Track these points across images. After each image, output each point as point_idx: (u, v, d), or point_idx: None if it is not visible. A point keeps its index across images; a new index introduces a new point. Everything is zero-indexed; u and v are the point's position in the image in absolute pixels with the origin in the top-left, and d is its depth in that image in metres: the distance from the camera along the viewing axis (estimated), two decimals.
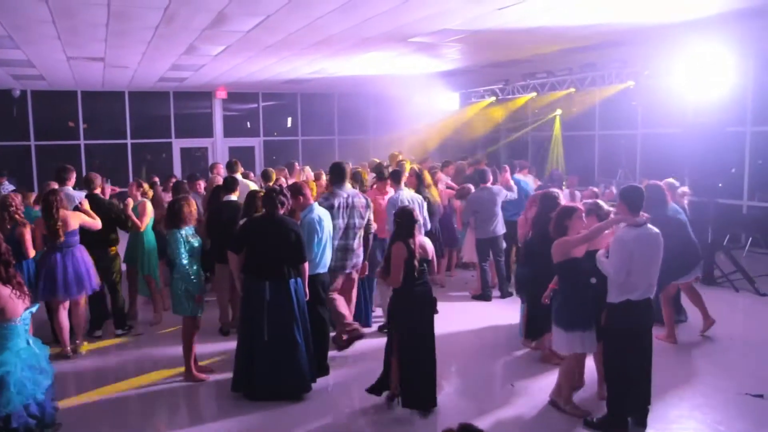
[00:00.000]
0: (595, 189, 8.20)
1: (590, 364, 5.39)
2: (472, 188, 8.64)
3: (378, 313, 7.56)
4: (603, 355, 4.93)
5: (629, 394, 4.65)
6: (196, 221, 5.91)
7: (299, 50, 10.00)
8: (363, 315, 7.16)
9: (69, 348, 6.39)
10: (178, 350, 5.93)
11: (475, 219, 8.37)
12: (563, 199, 6.24)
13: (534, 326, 6.16)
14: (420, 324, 5.07)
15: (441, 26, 8.24)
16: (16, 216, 6.18)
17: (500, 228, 8.36)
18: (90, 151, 15.99)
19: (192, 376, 5.78)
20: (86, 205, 6.62)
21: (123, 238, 7.51)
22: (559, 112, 13.62)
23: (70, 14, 7.24)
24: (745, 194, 11.46)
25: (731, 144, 11.15)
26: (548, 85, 12.85)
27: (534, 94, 13.42)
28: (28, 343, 4.13)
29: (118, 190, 8.05)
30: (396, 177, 7.56)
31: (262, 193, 6.07)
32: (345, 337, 6.34)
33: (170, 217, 5.68)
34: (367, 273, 6.82)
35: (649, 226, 4.64)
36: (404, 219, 5.06)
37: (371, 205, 6.65)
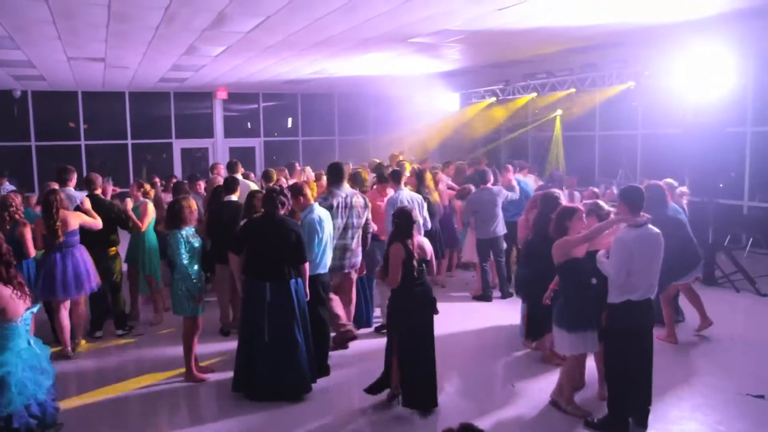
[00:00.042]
0: (596, 189, 8.20)
1: (591, 365, 5.40)
2: (473, 188, 8.65)
3: (378, 313, 7.56)
4: (603, 355, 4.93)
5: (630, 394, 4.65)
6: (196, 222, 5.92)
7: (299, 51, 10.00)
8: (364, 315, 7.17)
9: (70, 348, 6.39)
10: (178, 351, 5.93)
11: (476, 219, 8.37)
12: (563, 199, 6.24)
13: (534, 327, 6.16)
14: (419, 324, 5.08)
15: (441, 27, 8.25)
16: (16, 216, 6.18)
17: (501, 228, 8.36)
18: (90, 152, 16.00)
19: (192, 377, 5.78)
20: (87, 204, 6.62)
21: (124, 238, 7.52)
22: (559, 112, 13.62)
23: (71, 15, 7.24)
24: (745, 195, 11.46)
25: (732, 144, 11.15)
26: (548, 85, 12.85)
27: (534, 94, 13.42)
28: (29, 343, 4.14)
29: (118, 190, 8.06)
30: (396, 177, 7.57)
31: (260, 194, 6.08)
32: (333, 334, 6.35)
33: (171, 218, 5.68)
34: (365, 272, 6.82)
35: (650, 226, 4.64)
36: (402, 220, 5.07)
37: (369, 204, 6.68)
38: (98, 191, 7.12)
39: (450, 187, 9.61)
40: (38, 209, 7.04)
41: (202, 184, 9.35)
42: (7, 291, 3.93)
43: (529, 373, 5.91)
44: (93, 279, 6.46)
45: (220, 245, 6.74)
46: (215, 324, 7.14)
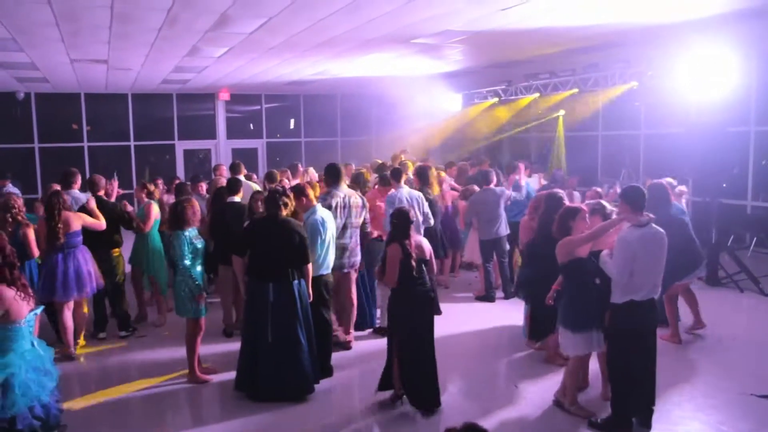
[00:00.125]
0: (599, 189, 8.19)
1: (594, 365, 5.39)
2: (477, 189, 8.64)
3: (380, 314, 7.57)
4: (607, 355, 4.92)
5: (633, 394, 4.64)
6: (199, 223, 5.92)
7: (302, 52, 10.01)
8: (367, 316, 7.17)
9: (73, 348, 6.40)
10: (181, 352, 5.94)
11: (479, 220, 8.37)
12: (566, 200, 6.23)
13: (537, 327, 6.15)
14: (419, 324, 5.08)
15: (444, 27, 8.24)
16: (19, 217, 6.20)
17: (503, 229, 8.35)
18: (93, 154, 16.03)
19: (195, 378, 5.79)
20: (93, 204, 6.64)
21: (129, 239, 7.53)
22: (562, 112, 13.60)
23: (74, 17, 7.25)
24: (749, 194, 11.43)
25: (735, 144, 11.12)
26: (551, 85, 12.83)
27: (537, 95, 13.40)
28: (32, 344, 4.14)
29: (121, 192, 8.06)
30: (396, 175, 7.58)
31: (259, 195, 6.09)
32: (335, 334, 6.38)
33: (174, 219, 5.69)
34: (364, 268, 6.86)
35: (653, 225, 4.63)
36: (400, 220, 5.09)
37: (367, 204, 6.73)
38: (101, 193, 7.14)
39: (453, 188, 9.60)
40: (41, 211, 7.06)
41: (204, 186, 9.37)
42: (11, 292, 3.94)
43: (532, 373, 5.91)
44: (95, 280, 6.48)
45: (223, 246, 6.75)
46: (218, 325, 7.15)
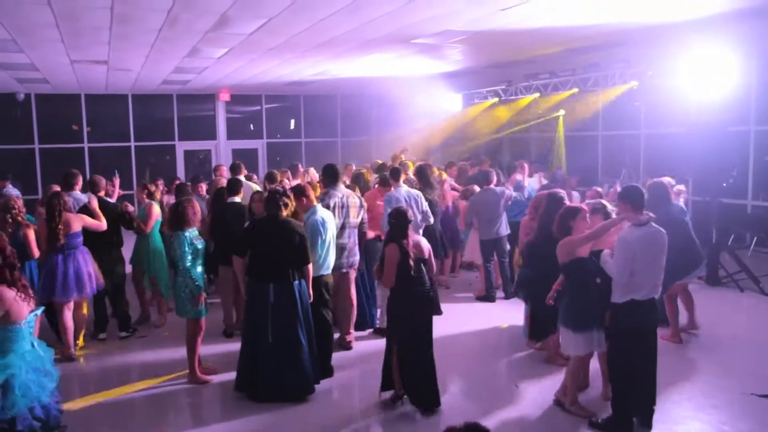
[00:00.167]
0: (599, 189, 8.19)
1: (594, 365, 5.39)
2: (477, 189, 8.64)
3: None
4: (607, 355, 4.92)
5: (634, 394, 4.64)
6: (199, 223, 5.92)
7: (302, 52, 10.01)
8: (367, 316, 7.17)
9: (73, 349, 6.41)
10: (182, 352, 5.94)
11: (479, 220, 8.37)
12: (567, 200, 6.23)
13: (538, 327, 6.15)
14: (419, 324, 5.08)
15: (444, 27, 8.24)
16: (19, 218, 6.21)
17: (504, 229, 8.35)
18: (94, 154, 16.03)
19: (196, 378, 5.79)
20: (95, 204, 6.64)
21: (130, 239, 7.53)
22: (562, 112, 13.60)
23: (74, 18, 7.25)
24: (749, 194, 11.42)
25: (735, 143, 11.12)
26: (551, 85, 12.83)
27: (537, 94, 13.40)
28: (32, 345, 4.14)
29: (121, 192, 8.07)
30: (395, 175, 7.58)
31: (257, 195, 6.09)
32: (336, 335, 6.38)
33: (174, 219, 5.69)
34: (361, 267, 6.88)
35: (653, 224, 4.63)
36: (398, 220, 5.09)
37: (365, 204, 6.76)
38: (102, 193, 7.14)
39: (453, 188, 9.60)
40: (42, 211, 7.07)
41: (204, 186, 9.37)
42: (11, 293, 3.93)
43: (532, 373, 5.91)
44: (95, 281, 6.48)
45: (224, 247, 6.75)
46: (218, 326, 7.14)
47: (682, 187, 8.15)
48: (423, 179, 8.33)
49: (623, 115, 13.42)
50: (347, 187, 7.13)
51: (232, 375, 5.60)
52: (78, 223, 6.38)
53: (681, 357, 6.24)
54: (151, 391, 5.72)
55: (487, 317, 7.69)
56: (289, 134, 18.24)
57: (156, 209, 7.52)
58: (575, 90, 12.40)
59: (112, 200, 7.31)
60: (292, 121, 18.18)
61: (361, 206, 6.64)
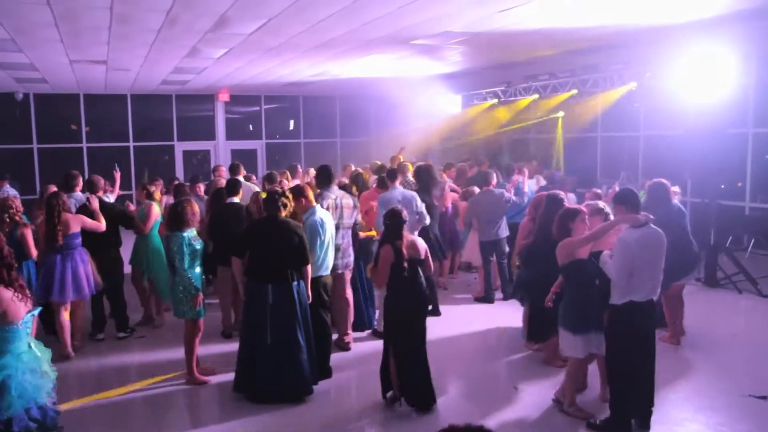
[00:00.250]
0: (598, 190, 8.18)
1: (593, 366, 5.38)
2: (477, 190, 8.63)
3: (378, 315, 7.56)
4: (606, 356, 4.91)
5: (632, 395, 4.64)
6: (198, 223, 5.91)
7: (301, 53, 10.01)
8: (365, 317, 7.16)
9: (70, 348, 6.39)
10: (180, 353, 5.93)
11: (478, 221, 8.36)
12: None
13: (536, 328, 6.15)
14: (414, 323, 5.08)
15: (443, 28, 8.25)
16: (16, 218, 6.20)
17: (503, 230, 8.34)
18: (92, 154, 16.02)
19: (194, 379, 5.78)
20: (95, 204, 6.63)
21: (129, 239, 7.52)
22: (561, 114, 13.60)
23: (73, 17, 7.25)
24: (747, 196, 11.44)
25: (733, 145, 11.11)
26: (550, 87, 12.84)
27: (536, 96, 13.41)
28: (29, 346, 4.12)
29: (120, 192, 8.07)
30: (391, 176, 7.58)
31: (256, 196, 6.09)
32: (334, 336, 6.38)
33: (173, 220, 5.68)
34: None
35: (652, 226, 4.63)
36: (392, 220, 5.09)
37: (359, 205, 6.80)
38: (100, 193, 7.13)
39: (452, 189, 9.59)
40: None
41: (202, 187, 9.36)
42: (8, 294, 3.92)
43: (531, 374, 5.90)
44: (92, 282, 6.47)
45: (222, 247, 6.74)
46: (217, 326, 7.13)
47: (677, 188, 8.16)
48: (422, 181, 8.31)
49: (622, 117, 13.42)
50: (343, 187, 7.13)
51: (230, 376, 5.59)
52: (77, 223, 6.37)
53: (679, 358, 6.24)
54: (149, 392, 5.71)
55: (485, 318, 7.69)
56: (289, 135, 18.24)
57: (156, 209, 7.51)
58: (574, 91, 12.40)
59: (113, 196, 7.30)
60: (292, 122, 18.18)
61: (355, 207, 6.65)
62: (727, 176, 11.32)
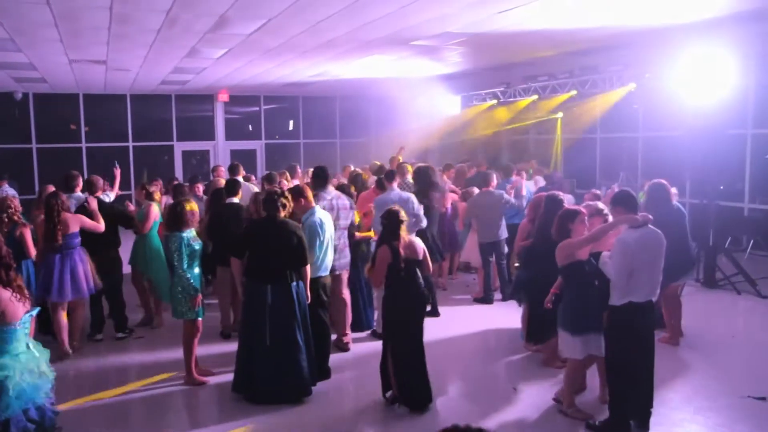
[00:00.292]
0: (597, 191, 8.19)
1: (592, 367, 5.38)
2: (476, 191, 8.63)
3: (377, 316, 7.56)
4: (605, 357, 4.91)
5: (631, 396, 4.64)
6: (197, 224, 5.91)
7: (301, 53, 10.01)
8: (363, 318, 7.16)
9: (68, 347, 6.39)
10: (178, 353, 5.92)
11: (478, 222, 8.36)
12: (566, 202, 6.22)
13: (535, 329, 6.15)
14: (412, 324, 5.09)
15: (442, 29, 8.25)
16: (15, 217, 6.20)
17: (503, 231, 8.33)
18: (92, 154, 16.02)
19: (192, 379, 5.77)
20: (94, 204, 6.62)
21: (128, 240, 7.51)
22: (560, 115, 13.61)
23: (73, 17, 7.25)
24: (746, 197, 11.45)
25: (732, 146, 11.13)
26: (549, 87, 12.84)
27: (536, 96, 13.41)
28: (28, 347, 4.12)
29: (120, 192, 8.07)
30: (389, 177, 7.58)
31: (257, 197, 6.09)
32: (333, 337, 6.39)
33: (172, 220, 5.68)
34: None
35: (651, 226, 4.63)
36: (390, 221, 5.09)
37: (355, 206, 6.79)
38: (99, 193, 7.13)
39: (452, 190, 9.59)
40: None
41: (200, 187, 9.36)
42: (7, 294, 3.91)
43: (530, 375, 5.90)
44: (91, 283, 6.46)
45: (221, 248, 6.74)
46: (216, 327, 7.13)
47: (674, 190, 8.16)
48: (421, 182, 8.28)
49: (621, 118, 13.43)
50: (341, 188, 7.12)
51: (229, 376, 5.59)
52: (76, 223, 6.37)
53: (678, 359, 6.24)
54: (148, 393, 5.70)
55: (484, 319, 7.68)
56: (288, 135, 18.24)
57: (155, 210, 7.50)
58: (574, 92, 12.40)
59: (112, 194, 7.29)
60: (291, 122, 18.18)
61: (351, 208, 6.64)
62: (726, 177, 11.34)
